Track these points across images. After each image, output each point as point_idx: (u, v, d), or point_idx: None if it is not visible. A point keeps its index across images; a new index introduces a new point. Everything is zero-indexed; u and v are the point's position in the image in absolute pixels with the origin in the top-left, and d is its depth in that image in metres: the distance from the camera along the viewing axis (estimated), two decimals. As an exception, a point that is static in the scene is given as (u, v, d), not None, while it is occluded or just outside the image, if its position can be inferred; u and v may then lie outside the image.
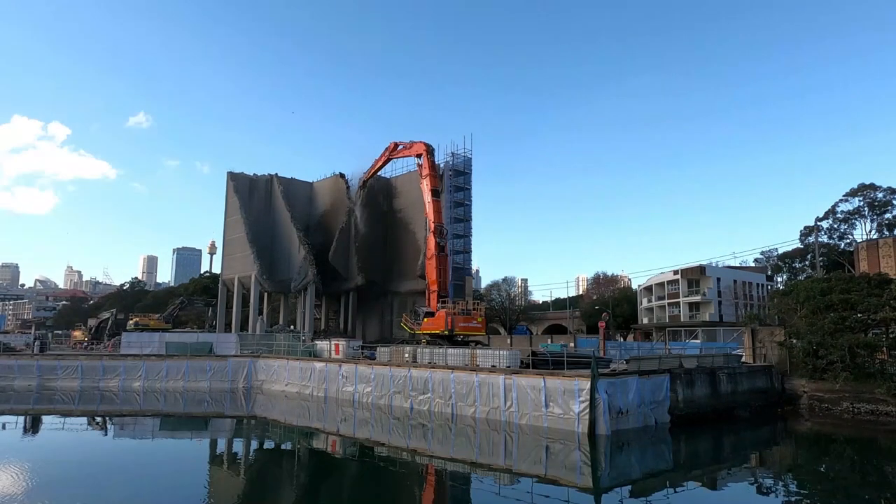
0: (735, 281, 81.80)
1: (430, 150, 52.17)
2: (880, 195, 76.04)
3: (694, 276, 79.11)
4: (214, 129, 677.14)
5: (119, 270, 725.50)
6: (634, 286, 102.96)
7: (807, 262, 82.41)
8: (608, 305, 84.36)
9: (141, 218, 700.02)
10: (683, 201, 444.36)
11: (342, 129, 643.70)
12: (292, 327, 72.22)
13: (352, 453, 27.98)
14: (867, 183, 77.09)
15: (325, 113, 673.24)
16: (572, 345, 55.22)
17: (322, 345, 50.68)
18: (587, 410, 27.72)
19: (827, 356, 38.16)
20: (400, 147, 57.15)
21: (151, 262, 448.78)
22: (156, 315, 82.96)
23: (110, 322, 78.14)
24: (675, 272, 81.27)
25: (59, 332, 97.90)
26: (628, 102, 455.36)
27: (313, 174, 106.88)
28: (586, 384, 27.98)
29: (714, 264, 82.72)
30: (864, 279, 41.26)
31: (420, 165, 52.93)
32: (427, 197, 50.42)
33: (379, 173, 70.99)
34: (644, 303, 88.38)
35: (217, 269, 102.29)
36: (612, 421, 28.08)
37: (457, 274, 62.19)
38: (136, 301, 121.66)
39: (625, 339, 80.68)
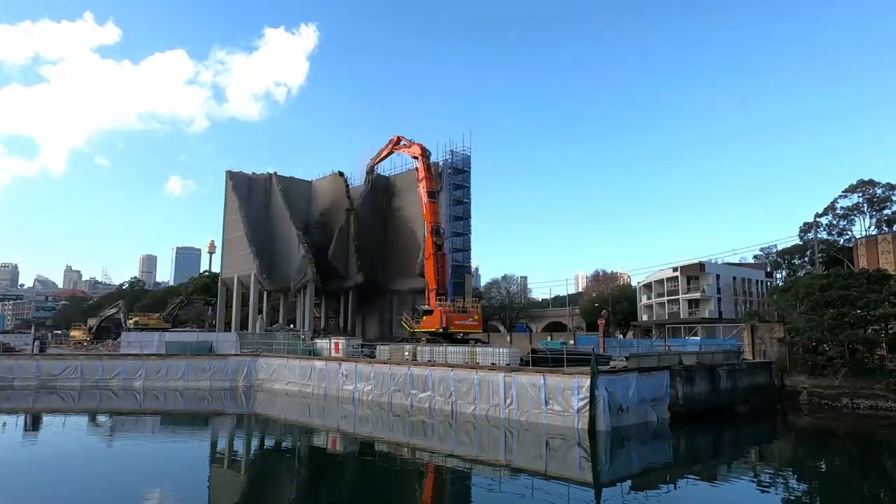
0: (734, 277, 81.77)
1: (426, 154, 53.27)
2: (879, 191, 76.03)
3: (693, 272, 79.08)
4: (213, 128, 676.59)
5: (118, 270, 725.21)
6: (634, 283, 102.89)
7: (806, 259, 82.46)
8: (608, 303, 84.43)
9: (140, 217, 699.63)
10: (682, 198, 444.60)
11: (341, 127, 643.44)
12: (292, 326, 72.26)
13: (352, 450, 28.04)
14: (866, 179, 77.10)
15: (324, 111, 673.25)
16: (572, 342, 55.24)
17: (322, 343, 50.75)
18: (587, 407, 27.77)
19: (826, 352, 38.25)
20: (402, 142, 57.85)
21: (150, 262, 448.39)
22: (156, 314, 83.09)
23: (122, 315, 78.30)
24: (675, 269, 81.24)
25: (59, 332, 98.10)
26: (628, 99, 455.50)
27: (312, 173, 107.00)
28: (586, 381, 28.03)
29: (713, 261, 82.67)
30: (863, 275, 41.32)
31: (416, 168, 53.81)
32: (424, 199, 51.32)
33: (379, 172, 71.46)
34: (643, 300, 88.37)
35: (216, 269, 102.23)
36: (612, 417, 28.14)
37: (456, 272, 62.26)
38: (136, 300, 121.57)
39: (624, 337, 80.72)
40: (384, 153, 62.23)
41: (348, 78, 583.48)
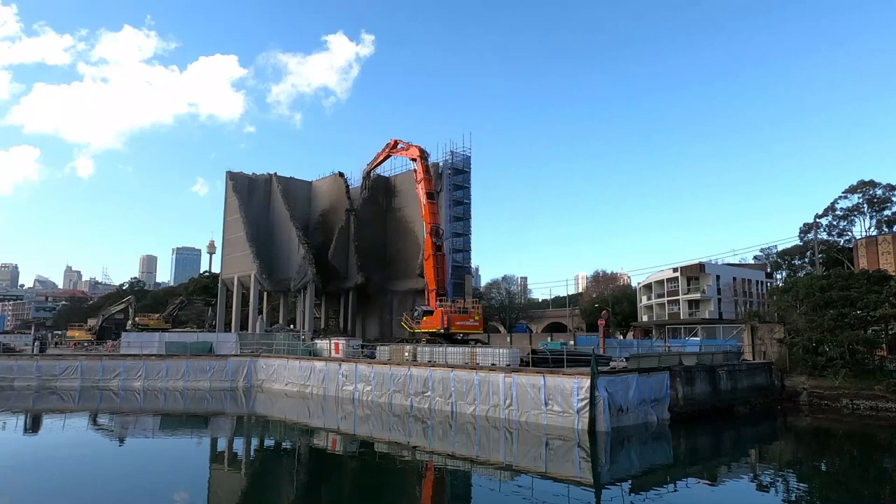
0: (734, 278, 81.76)
1: (423, 156, 53.30)
2: (879, 192, 75.98)
3: (693, 273, 79.06)
4: (214, 127, 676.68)
5: (118, 270, 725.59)
6: (634, 284, 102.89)
7: (806, 259, 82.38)
8: (608, 303, 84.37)
9: (140, 217, 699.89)
10: (683, 199, 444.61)
11: (341, 127, 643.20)
12: (292, 326, 72.20)
13: (352, 450, 28.01)
14: (866, 180, 77.05)
15: (323, 111, 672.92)
16: (572, 343, 55.19)
17: (322, 344, 50.72)
18: (587, 408, 27.74)
19: (826, 353, 38.21)
20: (399, 146, 58.00)
21: (151, 262, 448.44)
22: (156, 315, 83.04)
23: (131, 312, 78.21)
24: (675, 270, 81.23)
25: (59, 332, 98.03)
26: (628, 99, 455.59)
27: (312, 173, 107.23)
28: (586, 382, 28.00)
29: (713, 261, 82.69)
30: (863, 276, 41.29)
31: (415, 171, 53.82)
32: (422, 200, 51.30)
33: (379, 172, 71.42)
34: (644, 300, 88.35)
35: (217, 269, 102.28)
36: (612, 418, 28.11)
37: (456, 272, 62.21)
38: (136, 301, 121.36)
39: (624, 337, 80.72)
40: (381, 157, 62.21)
41: (392, 87, 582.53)
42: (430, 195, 51.44)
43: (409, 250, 69.08)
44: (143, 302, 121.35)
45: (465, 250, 66.50)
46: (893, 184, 75.22)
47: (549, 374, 30.13)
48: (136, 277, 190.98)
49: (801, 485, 22.35)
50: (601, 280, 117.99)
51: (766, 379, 40.48)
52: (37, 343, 57.79)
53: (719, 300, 77.76)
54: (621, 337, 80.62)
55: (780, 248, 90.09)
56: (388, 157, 61.82)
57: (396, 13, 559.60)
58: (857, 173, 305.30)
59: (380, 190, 74.34)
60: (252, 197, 75.49)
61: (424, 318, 47.49)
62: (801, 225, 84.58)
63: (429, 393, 36.12)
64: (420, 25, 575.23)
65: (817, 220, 79.32)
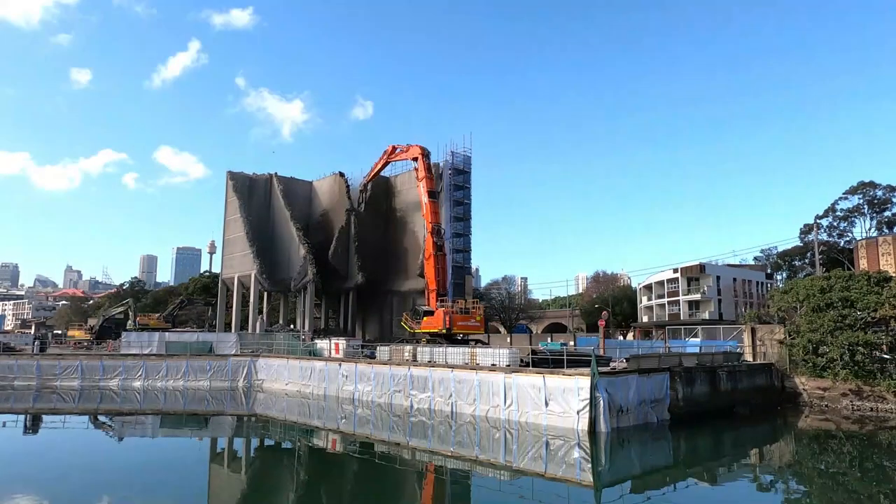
0: (735, 279, 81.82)
1: (425, 154, 53.28)
2: (880, 193, 76.14)
3: (694, 274, 79.11)
4: (215, 127, 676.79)
5: (119, 270, 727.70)
6: (634, 284, 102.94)
7: (806, 260, 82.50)
8: (608, 304, 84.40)
9: (141, 217, 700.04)
10: (683, 199, 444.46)
11: (342, 127, 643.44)
12: (292, 326, 72.19)
13: (352, 451, 28.00)
14: (867, 181, 77.20)
15: (324, 111, 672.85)
16: (572, 343, 55.16)
17: (322, 344, 50.71)
18: (587, 408, 27.71)
19: (827, 354, 38.16)
20: (398, 150, 58.12)
21: (151, 262, 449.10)
22: (156, 314, 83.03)
23: (131, 314, 78.00)
24: (675, 270, 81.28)
25: (59, 331, 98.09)
26: (628, 99, 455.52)
27: (313, 173, 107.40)
28: (586, 382, 27.97)
29: (714, 262, 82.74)
30: (863, 277, 41.22)
31: (416, 169, 53.78)
32: (424, 199, 51.27)
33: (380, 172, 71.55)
34: (644, 301, 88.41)
35: (217, 269, 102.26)
36: (613, 419, 28.10)
37: (457, 273, 62.18)
38: (136, 301, 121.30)
39: (625, 338, 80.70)
40: (379, 165, 62.35)
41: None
42: (432, 194, 51.46)
43: (410, 250, 69.09)
44: (143, 301, 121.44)
45: (466, 251, 66.46)
46: (894, 185, 75.44)
47: (549, 375, 30.09)
48: (136, 277, 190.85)
49: (801, 486, 22.35)
50: (601, 280, 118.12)
51: (767, 380, 40.44)
52: (37, 342, 57.83)
53: (720, 301, 77.82)
54: (621, 337, 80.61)
55: (780, 249, 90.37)
56: (386, 164, 61.89)
57: (395, 16, 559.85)
58: (858, 174, 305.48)
59: (380, 190, 74.34)
60: (252, 197, 75.50)
61: (425, 318, 47.53)
62: (802, 226, 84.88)
63: (429, 393, 36.11)
64: (420, 26, 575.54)
65: (818, 221, 79.45)
